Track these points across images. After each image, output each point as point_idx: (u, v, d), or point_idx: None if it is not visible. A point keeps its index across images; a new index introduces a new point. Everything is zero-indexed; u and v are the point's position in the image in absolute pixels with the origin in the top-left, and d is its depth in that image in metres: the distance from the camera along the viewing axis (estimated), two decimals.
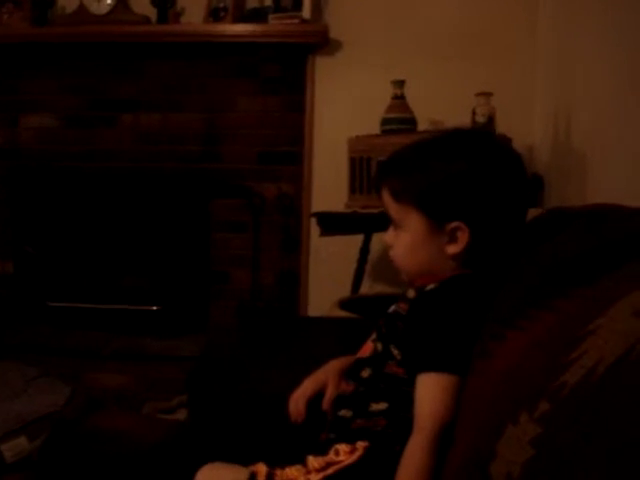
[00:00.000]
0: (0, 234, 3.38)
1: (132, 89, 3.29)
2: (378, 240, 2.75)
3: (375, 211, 2.46)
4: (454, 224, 1.05)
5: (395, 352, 1.07)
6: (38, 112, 3.33)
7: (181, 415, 2.59)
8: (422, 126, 2.71)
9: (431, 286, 1.07)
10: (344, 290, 2.73)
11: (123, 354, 3.07)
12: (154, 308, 3.24)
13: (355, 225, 2.66)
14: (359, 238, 2.77)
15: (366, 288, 2.89)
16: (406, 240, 1.10)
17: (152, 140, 3.28)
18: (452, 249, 1.07)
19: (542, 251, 1.00)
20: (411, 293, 1.12)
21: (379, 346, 1.11)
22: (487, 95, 2.58)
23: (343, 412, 1.10)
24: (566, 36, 2.62)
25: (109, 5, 3.19)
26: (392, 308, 1.14)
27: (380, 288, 2.99)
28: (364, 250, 2.75)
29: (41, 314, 3.29)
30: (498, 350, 0.85)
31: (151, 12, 3.20)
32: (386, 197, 1.11)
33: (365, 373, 1.10)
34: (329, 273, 3.13)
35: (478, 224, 1.05)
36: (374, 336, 1.15)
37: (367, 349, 1.14)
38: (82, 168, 3.32)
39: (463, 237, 1.05)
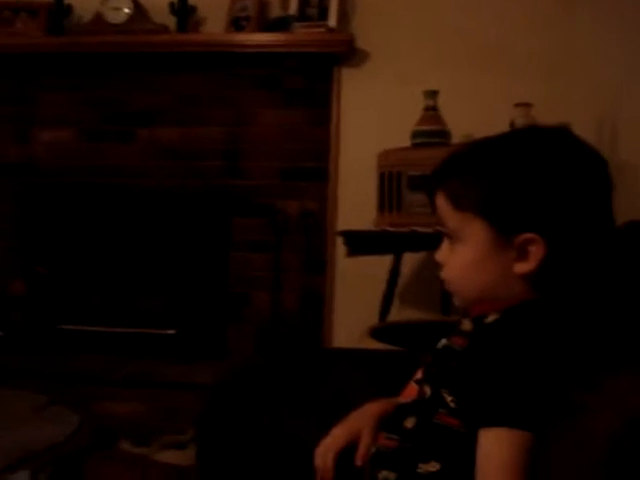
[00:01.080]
0: (12, 253, 3.26)
1: (150, 101, 3.17)
2: (408, 261, 2.61)
3: (405, 230, 2.33)
4: (526, 236, 0.87)
5: (448, 399, 0.88)
6: (52, 125, 3.23)
7: (193, 451, 2.42)
8: (456, 140, 2.55)
9: (493, 316, 0.89)
10: (372, 314, 2.59)
11: (136, 380, 2.92)
12: (170, 332, 3.11)
13: (384, 245, 2.53)
14: (388, 259, 2.61)
15: (395, 313, 2.72)
16: (465, 256, 0.92)
17: (170, 155, 3.16)
18: (522, 267, 0.88)
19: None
20: (467, 325, 0.93)
21: (427, 390, 0.92)
22: (527, 106, 2.45)
23: (384, 474, 0.91)
24: (608, 46, 2.52)
25: (127, 14, 3.11)
26: (442, 342, 0.96)
27: (410, 313, 2.82)
28: (394, 272, 2.60)
29: (51, 338, 3.17)
30: (595, 403, 0.66)
31: (170, 21, 3.11)
32: (442, 204, 0.94)
33: (409, 423, 0.92)
34: (356, 296, 2.98)
35: (555, 237, 0.86)
36: (420, 376, 0.97)
37: (411, 392, 0.97)
38: (96, 184, 3.20)
39: (537, 253, 0.87)
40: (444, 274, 0.96)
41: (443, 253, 0.96)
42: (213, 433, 1.23)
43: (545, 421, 0.77)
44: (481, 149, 0.93)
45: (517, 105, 2.45)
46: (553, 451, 0.71)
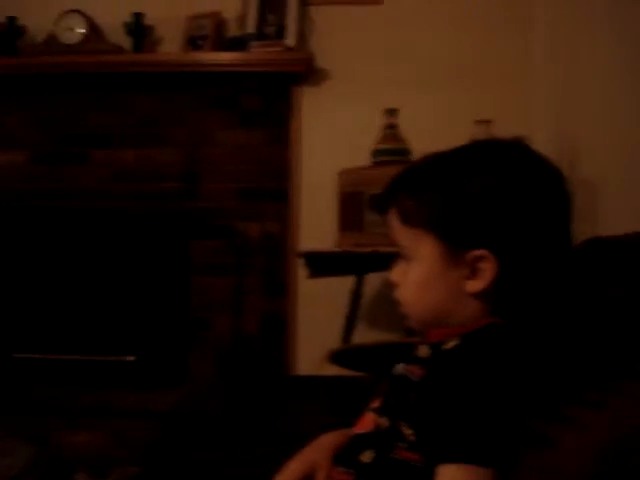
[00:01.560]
0: None
1: (105, 123, 3.11)
2: (371, 282, 2.57)
3: (368, 250, 2.29)
4: (477, 252, 0.82)
5: (407, 432, 0.82)
6: (4, 147, 3.15)
7: None
8: (416, 158, 2.52)
9: (452, 342, 0.83)
10: (335, 337, 2.53)
11: (94, 410, 2.85)
12: (129, 359, 3.02)
13: (346, 266, 2.48)
14: (350, 280, 2.56)
15: (359, 335, 2.67)
16: (417, 275, 0.87)
17: (127, 177, 3.10)
18: (473, 285, 0.83)
19: (608, 297, 0.76)
20: (424, 351, 0.87)
21: (384, 422, 0.86)
22: (487, 123, 2.43)
23: None
24: (567, 62, 2.56)
25: (81, 34, 3.05)
26: (399, 369, 0.89)
27: (374, 335, 2.78)
28: (356, 293, 2.55)
29: (5, 367, 3.06)
30: (564, 437, 0.61)
31: (125, 41, 3.06)
32: (394, 221, 0.89)
33: (366, 457, 0.86)
34: (318, 318, 2.92)
35: (508, 254, 0.82)
36: (377, 405, 0.91)
37: (367, 422, 0.90)
38: (51, 208, 3.12)
39: (488, 270, 0.82)
40: (398, 295, 0.91)
41: (397, 273, 0.91)
42: (162, 466, 1.17)
43: (508, 456, 0.72)
44: (432, 163, 0.89)
45: (477, 122, 2.43)
46: None
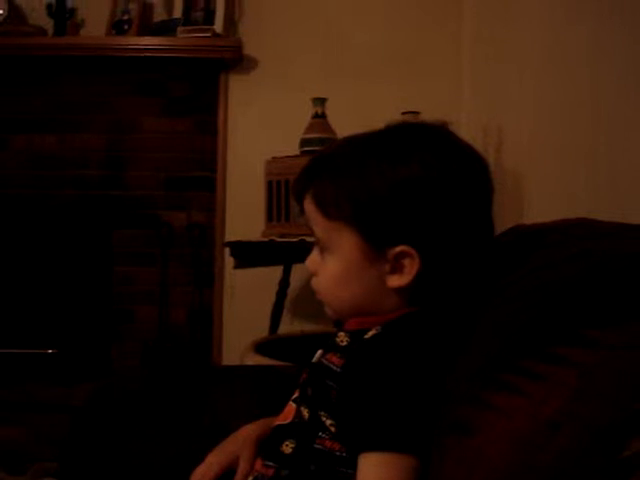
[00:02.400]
0: None
1: (25, 108, 3.00)
2: (299, 272, 2.54)
3: (294, 240, 2.26)
4: (400, 248, 0.78)
5: (328, 422, 0.79)
6: None
7: None
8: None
9: (373, 331, 0.80)
10: (262, 328, 2.50)
11: (12, 404, 2.76)
12: (49, 351, 2.94)
13: (273, 256, 2.45)
14: (278, 270, 2.54)
15: (286, 325, 2.65)
16: (335, 268, 0.83)
17: (47, 164, 3.00)
18: (395, 281, 0.80)
19: (524, 280, 0.75)
20: (343, 339, 0.83)
21: (304, 412, 0.84)
22: (414, 114, 2.41)
23: None
24: (494, 54, 2.59)
25: (0, 15, 2.92)
26: (317, 357, 0.86)
27: (301, 325, 2.76)
28: (283, 283, 2.52)
29: None
30: (480, 423, 0.60)
31: (47, 23, 2.96)
32: (310, 209, 0.84)
33: (287, 448, 0.83)
34: (246, 309, 2.90)
35: (432, 250, 0.78)
36: (297, 396, 0.88)
37: (287, 413, 0.88)
38: None
39: (411, 266, 0.78)
40: (314, 284, 0.88)
41: (314, 261, 0.87)
42: (77, 461, 1.12)
43: (428, 442, 0.71)
44: (353, 148, 0.84)
45: (404, 113, 2.42)
46: (446, 475, 0.65)
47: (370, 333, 0.80)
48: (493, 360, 0.66)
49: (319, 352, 0.87)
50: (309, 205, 0.84)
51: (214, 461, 0.94)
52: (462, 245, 0.80)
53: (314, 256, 0.87)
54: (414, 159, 0.79)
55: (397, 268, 0.79)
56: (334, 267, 0.83)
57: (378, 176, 0.78)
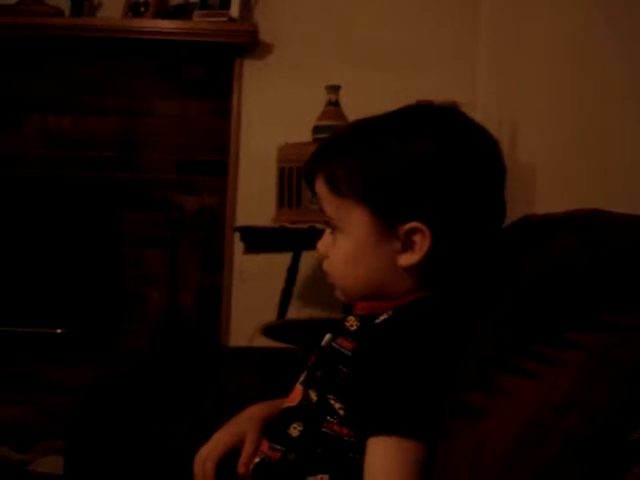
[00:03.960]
0: None
1: (40, 88, 3.00)
2: (308, 258, 2.55)
3: (305, 226, 2.27)
4: (411, 225, 0.79)
5: (336, 406, 0.80)
6: None
7: None
8: None
9: (384, 316, 0.80)
10: (270, 313, 2.51)
11: (20, 382, 2.77)
12: (58, 331, 2.95)
13: (283, 242, 2.46)
14: (287, 256, 2.54)
15: (294, 311, 2.66)
16: (346, 247, 0.83)
17: (61, 145, 3.00)
18: (406, 259, 0.80)
19: (538, 266, 0.76)
20: (353, 323, 0.84)
21: (313, 395, 0.84)
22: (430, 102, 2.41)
23: None
24: (511, 45, 2.58)
25: None
26: (327, 340, 0.87)
27: (309, 311, 2.77)
28: (292, 269, 2.53)
29: None
30: (490, 406, 0.60)
31: (65, 4, 2.96)
32: (322, 189, 0.84)
33: (295, 431, 0.83)
34: (254, 294, 2.90)
35: (443, 227, 0.79)
36: (303, 378, 0.89)
37: (295, 395, 0.88)
38: None
39: (422, 243, 0.79)
40: (325, 266, 0.88)
41: (324, 243, 0.87)
42: (84, 440, 1.13)
43: (437, 427, 0.71)
44: (365, 129, 0.84)
45: (420, 101, 2.42)
46: (453, 457, 0.66)
47: (381, 317, 0.81)
48: (505, 345, 0.67)
49: (328, 336, 0.87)
50: (320, 186, 0.85)
51: (220, 440, 0.94)
52: (473, 223, 0.81)
53: (325, 239, 0.88)
54: (425, 137, 0.79)
55: (408, 245, 0.80)
56: (345, 246, 0.83)
57: (389, 153, 0.79)
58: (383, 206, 0.80)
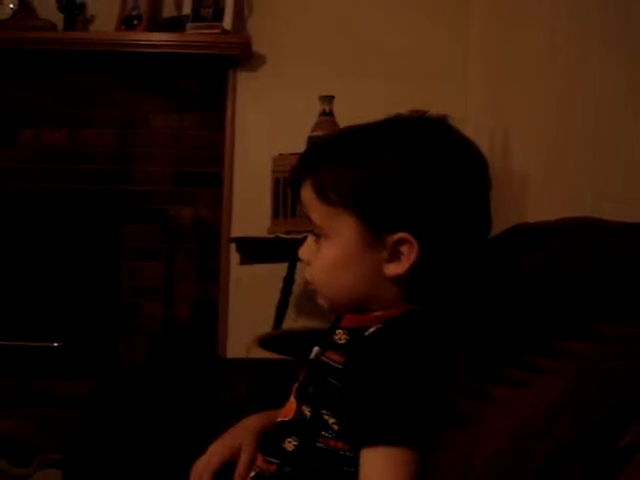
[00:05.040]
0: None
1: (35, 102, 3.01)
2: (303, 268, 2.54)
3: (299, 236, 2.26)
4: (399, 235, 0.78)
5: (330, 421, 0.80)
6: None
7: None
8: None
9: (373, 328, 0.80)
10: (267, 324, 2.52)
11: (19, 396, 2.79)
12: (55, 344, 2.94)
13: (278, 252, 2.46)
14: (283, 266, 2.55)
15: (290, 321, 2.66)
16: (331, 254, 0.82)
17: (56, 158, 3.00)
18: (392, 269, 0.80)
19: (528, 275, 0.76)
20: (341, 336, 0.83)
21: (306, 411, 0.84)
22: (422, 113, 2.41)
23: None
24: (502, 54, 2.58)
25: (11, 9, 2.95)
26: (315, 354, 0.87)
27: (305, 322, 2.77)
28: (288, 280, 2.53)
29: None
30: (481, 415, 0.61)
31: (58, 18, 2.96)
32: (308, 195, 0.83)
33: (290, 445, 0.83)
34: (250, 305, 2.90)
35: (430, 239, 0.79)
36: (296, 392, 0.88)
37: (289, 409, 0.88)
38: None
39: (409, 254, 0.78)
40: (307, 273, 0.87)
41: (307, 250, 0.87)
42: (81, 453, 1.13)
43: (429, 436, 0.71)
44: (355, 137, 0.84)
45: (411, 112, 2.42)
46: (444, 466, 0.66)
47: (371, 330, 0.81)
48: (496, 354, 0.67)
49: (316, 349, 0.87)
50: (307, 192, 0.84)
51: (216, 452, 0.95)
52: (459, 236, 0.81)
53: (308, 245, 0.87)
54: (416, 148, 0.80)
55: (395, 255, 0.80)
56: (331, 253, 0.83)
57: (380, 162, 0.79)
58: (372, 215, 0.79)
